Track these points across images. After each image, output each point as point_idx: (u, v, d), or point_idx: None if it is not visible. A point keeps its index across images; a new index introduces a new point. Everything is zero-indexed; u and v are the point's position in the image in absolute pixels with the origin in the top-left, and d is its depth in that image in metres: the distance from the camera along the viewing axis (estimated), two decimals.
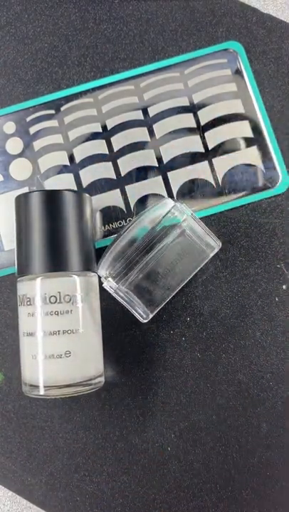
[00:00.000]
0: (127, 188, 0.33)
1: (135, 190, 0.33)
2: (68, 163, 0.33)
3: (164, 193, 0.33)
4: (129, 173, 0.33)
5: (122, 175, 0.33)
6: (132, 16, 0.34)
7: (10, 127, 0.33)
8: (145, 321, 0.30)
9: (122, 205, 0.33)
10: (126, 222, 0.33)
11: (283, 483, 0.32)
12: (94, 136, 0.33)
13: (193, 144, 0.33)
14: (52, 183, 0.33)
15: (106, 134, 0.33)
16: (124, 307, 0.30)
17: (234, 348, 0.32)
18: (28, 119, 0.33)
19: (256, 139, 0.33)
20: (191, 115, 0.33)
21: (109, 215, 0.33)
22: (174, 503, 0.32)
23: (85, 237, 0.29)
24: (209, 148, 0.33)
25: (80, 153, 0.33)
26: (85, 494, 0.32)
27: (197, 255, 0.30)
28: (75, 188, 0.33)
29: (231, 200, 0.33)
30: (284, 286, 0.33)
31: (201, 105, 0.33)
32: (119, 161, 0.33)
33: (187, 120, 0.33)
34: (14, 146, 0.33)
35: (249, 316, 0.33)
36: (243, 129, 0.33)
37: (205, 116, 0.33)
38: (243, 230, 0.33)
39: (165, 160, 0.33)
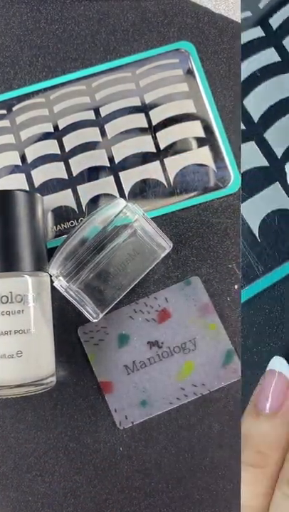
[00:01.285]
0: (79, 188, 0.33)
1: (87, 190, 0.33)
2: (20, 163, 0.33)
3: (116, 193, 0.33)
4: (81, 173, 0.33)
5: (74, 175, 0.33)
6: (84, 16, 0.34)
7: None
8: (95, 320, 0.30)
9: (74, 205, 0.33)
10: (78, 222, 0.33)
11: (235, 482, 0.32)
12: (46, 136, 0.33)
13: (144, 144, 0.33)
14: (3, 183, 0.33)
15: (58, 134, 0.33)
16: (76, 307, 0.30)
17: None
18: None
19: (208, 139, 0.33)
20: (142, 115, 0.33)
21: (61, 215, 0.33)
22: (126, 503, 0.32)
23: (37, 237, 0.29)
24: (161, 148, 0.33)
25: (32, 153, 0.33)
26: (37, 494, 0.32)
27: (148, 255, 0.30)
28: (27, 188, 0.33)
29: (183, 200, 0.33)
30: (236, 286, 0.33)
31: (153, 105, 0.33)
32: (70, 161, 0.33)
33: (139, 120, 0.33)
34: None
35: None
36: (195, 129, 0.33)
37: (156, 116, 0.33)
38: (195, 230, 0.33)
39: (117, 160, 0.33)
